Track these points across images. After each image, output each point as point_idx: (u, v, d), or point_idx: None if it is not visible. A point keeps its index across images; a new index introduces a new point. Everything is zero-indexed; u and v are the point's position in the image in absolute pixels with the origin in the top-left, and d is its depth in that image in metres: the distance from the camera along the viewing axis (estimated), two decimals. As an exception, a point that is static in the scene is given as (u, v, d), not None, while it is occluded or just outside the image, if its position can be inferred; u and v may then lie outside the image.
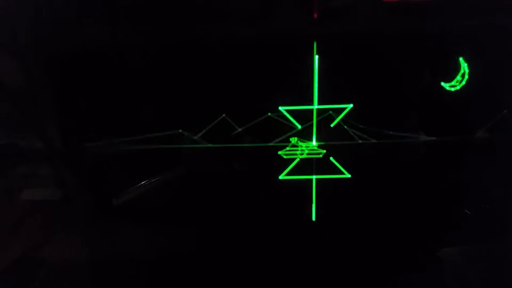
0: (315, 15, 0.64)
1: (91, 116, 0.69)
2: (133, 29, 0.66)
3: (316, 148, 0.68)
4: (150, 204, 0.73)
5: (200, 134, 0.67)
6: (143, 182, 0.70)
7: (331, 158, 0.69)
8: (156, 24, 0.65)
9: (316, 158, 0.69)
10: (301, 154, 0.68)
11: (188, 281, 0.76)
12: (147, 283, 0.76)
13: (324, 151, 0.68)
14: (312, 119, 0.67)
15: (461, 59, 0.67)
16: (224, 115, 0.66)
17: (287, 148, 0.67)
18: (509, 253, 0.74)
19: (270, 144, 0.68)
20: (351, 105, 0.67)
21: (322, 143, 0.68)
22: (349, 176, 0.69)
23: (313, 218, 0.71)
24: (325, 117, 0.67)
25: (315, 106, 0.67)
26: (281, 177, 0.70)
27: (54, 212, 0.75)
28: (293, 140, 0.67)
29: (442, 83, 0.67)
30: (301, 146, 0.68)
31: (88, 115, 0.69)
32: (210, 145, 0.67)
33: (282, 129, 0.67)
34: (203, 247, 0.74)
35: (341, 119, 0.67)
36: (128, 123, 0.68)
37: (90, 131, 0.69)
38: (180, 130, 0.67)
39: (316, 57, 0.65)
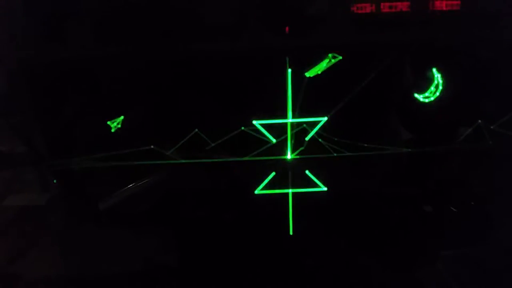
0: (287, 30, 0.64)
1: (62, 133, 0.69)
2: (106, 47, 0.65)
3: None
4: (126, 215, 0.72)
5: (173, 149, 0.66)
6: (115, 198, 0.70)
7: (307, 172, 0.69)
8: (128, 42, 0.65)
9: (292, 172, 0.69)
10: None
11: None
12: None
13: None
14: (286, 133, 0.67)
15: (434, 70, 0.67)
16: (196, 130, 0.66)
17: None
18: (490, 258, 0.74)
19: (245, 158, 0.67)
20: (326, 118, 0.66)
21: (297, 156, 0.68)
22: (325, 189, 0.69)
23: (290, 232, 0.71)
24: (299, 130, 0.67)
25: (289, 120, 0.67)
26: (257, 191, 0.69)
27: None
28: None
29: (416, 95, 0.67)
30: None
31: (59, 131, 0.69)
32: (183, 160, 0.67)
33: (256, 143, 0.67)
34: (179, 263, 0.74)
35: (315, 132, 0.67)
36: (100, 139, 0.67)
37: (61, 148, 0.68)
38: (152, 146, 0.66)
39: (289, 70, 0.64)
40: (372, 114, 0.68)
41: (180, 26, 0.64)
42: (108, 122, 0.66)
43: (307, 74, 0.64)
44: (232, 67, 0.65)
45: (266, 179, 0.69)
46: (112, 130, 0.66)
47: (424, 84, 0.67)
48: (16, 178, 0.74)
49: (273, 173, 0.68)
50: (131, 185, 0.70)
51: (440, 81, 0.67)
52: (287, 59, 0.64)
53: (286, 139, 0.67)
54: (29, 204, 0.73)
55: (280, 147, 0.68)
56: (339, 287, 0.74)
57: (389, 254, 0.74)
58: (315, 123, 0.67)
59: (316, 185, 0.69)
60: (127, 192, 0.70)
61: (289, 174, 0.69)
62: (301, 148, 0.68)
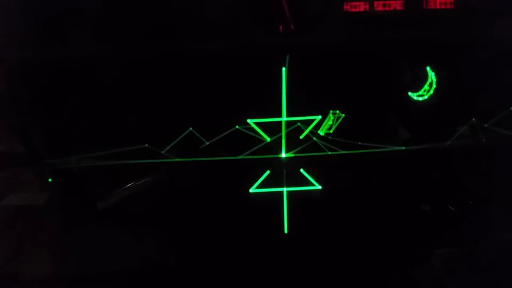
0: (281, 29, 0.65)
1: (58, 132, 0.69)
2: (100, 45, 0.66)
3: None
4: (124, 214, 0.72)
5: (167, 148, 0.66)
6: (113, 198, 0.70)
7: (302, 170, 0.69)
8: (121, 40, 0.65)
9: (287, 170, 0.69)
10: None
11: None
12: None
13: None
14: (281, 131, 0.67)
15: (428, 68, 0.67)
16: (191, 128, 0.66)
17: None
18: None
19: (239, 157, 0.68)
20: (320, 117, 0.67)
21: (292, 154, 0.68)
22: (320, 187, 0.69)
23: (285, 231, 0.71)
24: (293, 128, 0.67)
25: (284, 118, 0.67)
26: (251, 190, 0.69)
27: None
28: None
29: (410, 93, 0.67)
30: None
31: (55, 130, 0.69)
32: (177, 159, 0.67)
33: (251, 142, 0.67)
34: (176, 262, 0.74)
35: (309, 131, 0.67)
36: (94, 138, 0.68)
37: (57, 146, 0.69)
38: (147, 145, 0.66)
39: (283, 69, 0.64)
40: (367, 112, 0.68)
41: (175, 26, 0.65)
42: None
43: (320, 132, 0.67)
44: (226, 66, 0.65)
45: (261, 178, 0.69)
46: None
47: (418, 82, 0.67)
48: (15, 178, 0.74)
49: (268, 172, 0.69)
50: (128, 185, 0.70)
51: (434, 80, 0.67)
52: (282, 57, 0.64)
53: (280, 137, 0.67)
54: (28, 204, 0.74)
55: (275, 146, 0.68)
56: (334, 286, 0.74)
57: (386, 253, 0.74)
58: (309, 122, 0.67)
59: (310, 184, 0.69)
60: (124, 192, 0.70)
61: (284, 173, 0.69)
62: (296, 147, 0.68)
